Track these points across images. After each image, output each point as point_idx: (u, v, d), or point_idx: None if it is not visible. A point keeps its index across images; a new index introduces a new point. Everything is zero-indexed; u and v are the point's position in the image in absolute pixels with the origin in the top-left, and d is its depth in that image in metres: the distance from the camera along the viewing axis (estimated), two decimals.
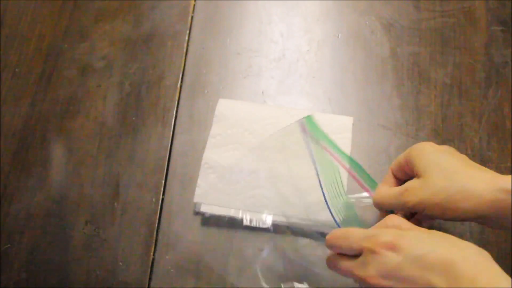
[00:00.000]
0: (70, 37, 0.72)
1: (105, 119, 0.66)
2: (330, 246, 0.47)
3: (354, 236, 0.44)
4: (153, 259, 0.58)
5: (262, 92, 0.67)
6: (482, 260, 0.39)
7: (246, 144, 0.62)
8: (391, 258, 0.41)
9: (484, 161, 0.61)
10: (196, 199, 0.60)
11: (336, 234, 0.46)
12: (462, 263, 0.38)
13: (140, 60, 0.70)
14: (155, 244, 0.59)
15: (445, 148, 0.50)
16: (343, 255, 0.46)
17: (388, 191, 0.51)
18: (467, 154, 0.63)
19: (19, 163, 0.64)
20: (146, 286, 0.57)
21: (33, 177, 0.63)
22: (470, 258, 0.39)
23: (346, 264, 0.45)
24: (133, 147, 0.64)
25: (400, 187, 0.49)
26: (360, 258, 0.43)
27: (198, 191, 0.60)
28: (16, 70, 0.70)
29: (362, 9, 0.72)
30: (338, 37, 0.70)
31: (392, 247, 0.41)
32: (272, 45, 0.70)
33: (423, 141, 0.52)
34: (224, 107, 0.64)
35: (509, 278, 0.38)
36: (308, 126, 0.56)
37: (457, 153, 0.50)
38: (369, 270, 0.42)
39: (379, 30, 0.70)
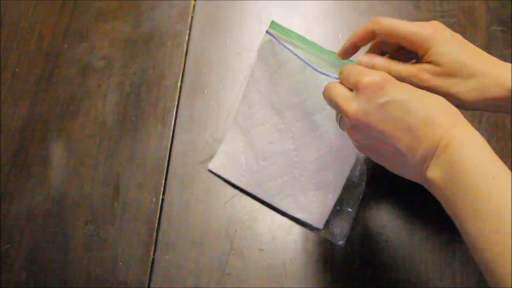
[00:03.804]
0: (70, 37, 0.72)
1: (105, 119, 0.66)
2: (339, 77, 0.47)
3: (354, 70, 0.45)
4: (153, 259, 0.58)
5: None
6: (456, 116, 0.41)
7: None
8: (376, 97, 0.42)
9: None
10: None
11: (346, 67, 0.47)
12: (441, 116, 0.40)
13: (140, 60, 0.70)
14: (155, 244, 0.59)
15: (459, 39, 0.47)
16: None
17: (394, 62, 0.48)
18: None
19: (19, 163, 0.64)
20: (146, 286, 0.57)
21: (33, 177, 0.63)
22: (448, 111, 0.41)
23: (338, 90, 0.45)
24: (133, 147, 0.64)
25: (418, 66, 0.47)
26: (352, 92, 0.44)
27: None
28: (16, 70, 0.70)
29: (362, 9, 0.72)
30: (338, 37, 0.70)
31: (381, 87, 0.42)
32: None
33: None
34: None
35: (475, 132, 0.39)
36: (276, 31, 0.56)
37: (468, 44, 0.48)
38: (353, 104, 0.43)
39: None
